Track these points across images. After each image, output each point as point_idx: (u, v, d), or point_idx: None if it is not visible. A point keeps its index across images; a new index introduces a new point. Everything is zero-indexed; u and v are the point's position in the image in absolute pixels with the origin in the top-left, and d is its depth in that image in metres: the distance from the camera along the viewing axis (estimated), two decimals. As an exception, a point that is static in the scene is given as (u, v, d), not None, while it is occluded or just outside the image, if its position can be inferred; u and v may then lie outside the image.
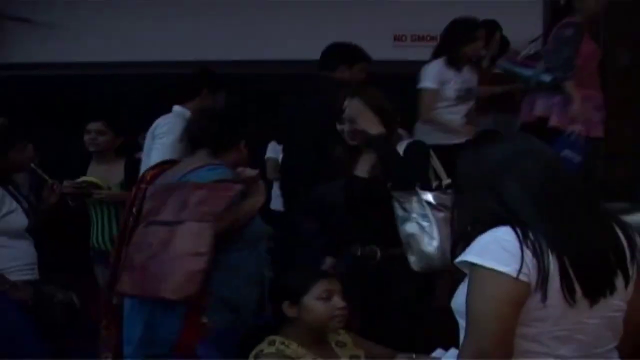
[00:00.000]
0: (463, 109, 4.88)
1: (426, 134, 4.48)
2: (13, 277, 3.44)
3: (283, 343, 2.52)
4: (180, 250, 2.75)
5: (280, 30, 5.98)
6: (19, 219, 3.51)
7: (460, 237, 1.90)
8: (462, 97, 4.85)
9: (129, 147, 4.43)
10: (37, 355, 3.34)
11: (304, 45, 5.75)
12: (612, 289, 1.79)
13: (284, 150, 4.80)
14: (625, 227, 1.88)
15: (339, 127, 3.35)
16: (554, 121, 4.64)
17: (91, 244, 4.29)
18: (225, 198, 2.82)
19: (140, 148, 5.09)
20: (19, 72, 5.95)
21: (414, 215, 3.19)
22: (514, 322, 1.74)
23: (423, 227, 3.18)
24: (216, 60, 5.59)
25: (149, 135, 4.46)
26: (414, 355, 2.45)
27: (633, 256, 1.84)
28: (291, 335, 2.57)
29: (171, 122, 4.17)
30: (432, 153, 3.35)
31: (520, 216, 1.78)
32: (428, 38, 5.79)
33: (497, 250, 1.75)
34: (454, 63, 4.79)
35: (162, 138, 4.15)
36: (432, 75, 4.78)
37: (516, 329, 1.75)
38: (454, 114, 4.84)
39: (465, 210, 1.92)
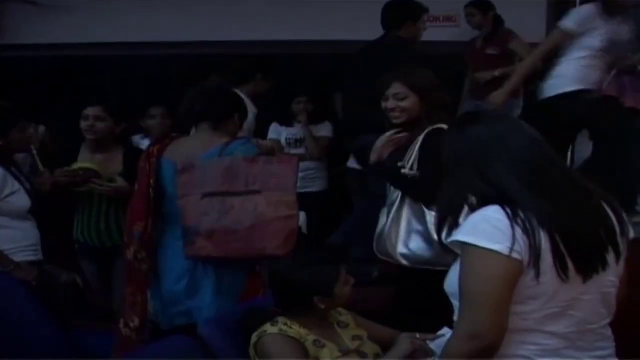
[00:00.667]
0: (601, 63, 4.41)
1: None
2: (17, 258, 3.42)
3: (286, 324, 2.52)
4: (269, 215, 3.08)
5: (290, 10, 5.94)
6: (22, 200, 3.48)
7: (446, 218, 1.91)
8: (605, 48, 4.37)
9: (128, 135, 4.18)
10: (44, 337, 3.36)
11: (316, 25, 5.73)
12: (604, 264, 1.80)
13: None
14: (613, 203, 1.89)
15: (383, 104, 3.32)
16: (629, 102, 4.45)
17: (75, 238, 3.97)
18: (292, 169, 3.17)
19: (142, 132, 5.08)
20: (23, 54, 5.94)
21: (389, 201, 3.25)
22: (508, 300, 1.75)
23: (386, 213, 3.25)
24: (227, 41, 5.64)
25: None
26: (417, 335, 2.44)
27: (622, 232, 1.85)
28: (294, 316, 2.57)
29: None
30: None
31: (508, 195, 1.79)
32: (443, 19, 5.76)
33: (488, 228, 1.75)
34: (608, 10, 4.33)
35: None
36: (579, 18, 4.36)
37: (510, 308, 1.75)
38: (589, 68, 4.38)
39: (453, 191, 1.92)
